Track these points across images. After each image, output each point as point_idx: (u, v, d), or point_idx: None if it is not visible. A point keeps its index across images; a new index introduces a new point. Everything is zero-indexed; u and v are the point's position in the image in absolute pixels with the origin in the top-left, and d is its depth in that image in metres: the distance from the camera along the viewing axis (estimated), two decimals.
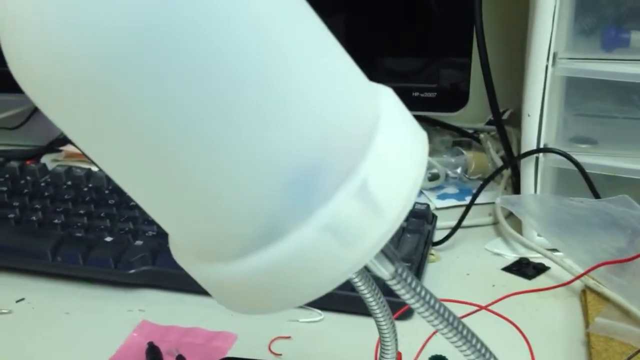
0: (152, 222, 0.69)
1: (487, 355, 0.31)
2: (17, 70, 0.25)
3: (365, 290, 0.34)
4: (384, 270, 0.29)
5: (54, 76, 0.24)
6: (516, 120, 0.93)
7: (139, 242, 0.66)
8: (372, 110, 0.28)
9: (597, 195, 0.66)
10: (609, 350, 0.53)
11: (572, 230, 0.59)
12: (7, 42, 0.24)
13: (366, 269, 0.30)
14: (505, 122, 1.00)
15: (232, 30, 0.24)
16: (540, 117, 0.66)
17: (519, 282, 0.66)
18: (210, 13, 0.23)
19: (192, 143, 0.25)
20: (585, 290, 0.62)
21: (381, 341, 0.40)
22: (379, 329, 0.39)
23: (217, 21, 0.23)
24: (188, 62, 0.23)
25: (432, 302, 0.30)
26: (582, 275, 0.56)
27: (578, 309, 0.61)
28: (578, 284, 0.64)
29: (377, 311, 0.37)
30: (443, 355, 0.49)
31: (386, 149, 0.27)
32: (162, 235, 0.66)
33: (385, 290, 0.36)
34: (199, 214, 0.27)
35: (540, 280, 0.66)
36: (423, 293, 0.30)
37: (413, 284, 0.29)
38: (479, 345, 0.31)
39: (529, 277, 0.66)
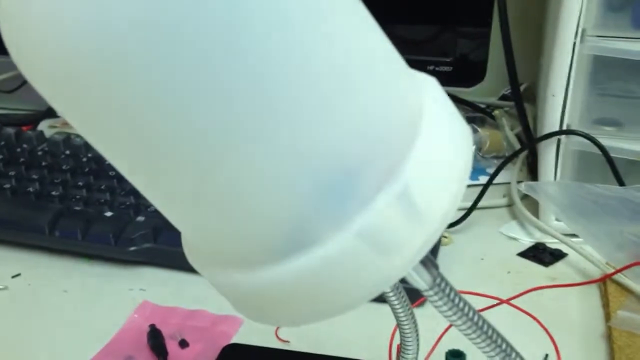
0: None
1: None
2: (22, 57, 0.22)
3: (393, 298, 0.31)
4: (422, 282, 0.26)
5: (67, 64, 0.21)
6: (531, 95, 0.89)
7: (140, 218, 0.64)
8: (415, 105, 0.25)
9: (620, 181, 0.63)
10: (632, 347, 0.51)
11: (597, 218, 0.57)
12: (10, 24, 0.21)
13: (401, 279, 0.27)
14: None
15: (268, 15, 0.20)
16: (564, 97, 0.63)
17: (535, 269, 0.63)
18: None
19: (218, 136, 0.22)
20: (606, 281, 0.59)
21: (402, 342, 0.37)
22: (401, 330, 0.36)
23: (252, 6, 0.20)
24: (219, 47, 0.20)
25: (470, 314, 0.27)
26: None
27: (597, 300, 0.59)
28: (597, 273, 0.62)
29: (401, 313, 0.34)
30: (461, 350, 0.47)
31: (430, 149, 0.24)
32: None
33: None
34: (221, 215, 0.24)
35: (557, 268, 0.63)
36: (462, 305, 0.27)
37: (451, 296, 0.27)
38: (514, 356, 0.29)
39: (546, 264, 0.64)
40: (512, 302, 0.48)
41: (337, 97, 0.22)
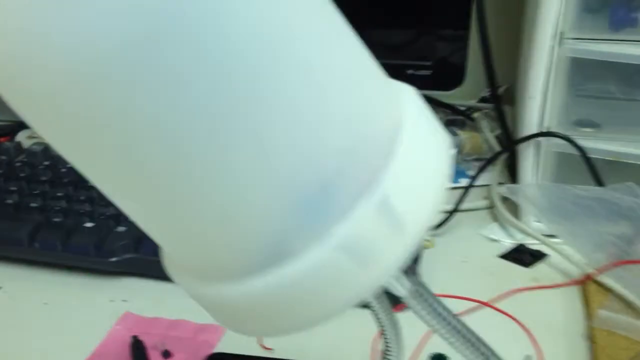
0: None
1: None
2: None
3: (374, 303, 0.31)
4: (401, 289, 0.26)
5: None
6: (509, 97, 0.90)
7: (121, 228, 0.63)
8: (394, 116, 0.25)
9: (599, 181, 0.63)
10: (612, 346, 0.51)
11: (576, 219, 0.57)
12: None
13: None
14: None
15: (241, 27, 0.20)
16: (543, 99, 0.63)
17: (516, 270, 0.63)
18: (223, 9, 0.20)
19: (194, 149, 0.22)
20: (586, 280, 0.60)
21: (385, 348, 0.37)
22: (383, 335, 0.36)
23: (228, 17, 0.20)
24: (198, 59, 0.20)
25: (450, 320, 0.27)
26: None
27: (578, 300, 0.59)
28: (578, 273, 0.62)
29: (382, 318, 0.34)
30: (444, 353, 0.47)
31: (409, 159, 0.24)
32: None
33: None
34: (198, 228, 0.24)
35: (538, 268, 0.64)
36: (441, 311, 0.27)
37: (431, 302, 0.27)
38: None
39: (527, 264, 0.64)
40: (494, 304, 0.48)
41: (314, 110, 0.22)
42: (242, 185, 0.22)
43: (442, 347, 0.47)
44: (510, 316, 0.48)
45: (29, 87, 0.21)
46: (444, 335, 0.28)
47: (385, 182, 0.23)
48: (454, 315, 0.27)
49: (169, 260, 0.28)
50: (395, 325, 0.36)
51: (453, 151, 0.81)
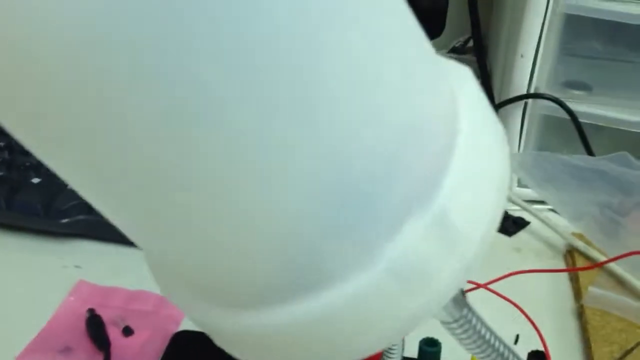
0: None
1: None
2: None
3: None
4: (448, 316, 0.22)
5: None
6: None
7: None
8: (450, 107, 0.20)
9: (588, 147, 0.60)
10: (606, 327, 0.49)
11: (569, 188, 0.54)
12: None
13: None
14: (468, 51, 0.93)
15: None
16: (534, 58, 0.59)
17: (499, 240, 0.60)
18: None
19: (209, 145, 0.16)
20: (573, 253, 0.57)
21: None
22: None
23: None
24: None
25: (498, 346, 0.23)
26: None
27: (565, 274, 0.56)
28: (562, 244, 0.59)
29: None
30: (436, 338, 0.43)
31: (470, 162, 0.20)
32: None
33: None
34: (211, 249, 0.19)
35: (521, 238, 0.61)
36: (488, 337, 0.23)
37: (479, 328, 0.23)
38: None
39: (510, 233, 0.61)
40: (492, 289, 0.44)
41: (351, 105, 0.17)
42: (272, 184, 0.17)
43: (432, 332, 0.44)
44: (506, 298, 0.44)
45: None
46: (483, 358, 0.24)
47: (443, 191, 0.19)
48: (503, 342, 0.23)
49: (157, 264, 0.23)
50: None
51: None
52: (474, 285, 0.45)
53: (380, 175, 0.18)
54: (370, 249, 0.18)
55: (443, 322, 0.23)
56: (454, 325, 0.22)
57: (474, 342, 0.23)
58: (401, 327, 0.20)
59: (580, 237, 0.58)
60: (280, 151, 0.17)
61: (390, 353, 0.34)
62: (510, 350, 0.24)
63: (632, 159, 0.54)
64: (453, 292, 0.20)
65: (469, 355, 0.43)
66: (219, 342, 0.22)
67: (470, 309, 0.22)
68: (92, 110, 0.16)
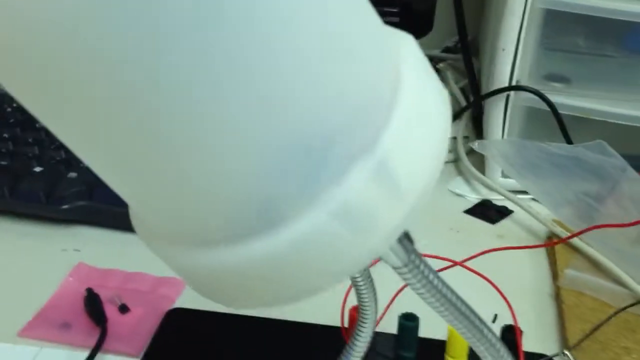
0: None
1: (499, 348, 0.27)
2: None
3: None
4: (396, 260, 0.24)
5: None
6: (474, 48, 0.88)
7: (73, 174, 0.60)
8: (393, 66, 0.22)
9: (568, 138, 0.63)
10: (580, 307, 0.51)
11: (547, 175, 0.56)
12: None
13: None
14: (460, 50, 0.96)
15: None
16: (515, 51, 0.62)
17: (482, 226, 0.63)
18: None
19: (170, 104, 0.19)
20: (552, 239, 0.59)
21: (360, 306, 0.36)
22: (358, 294, 0.35)
23: None
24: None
25: (446, 292, 0.25)
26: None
27: (545, 258, 0.58)
28: (543, 231, 0.62)
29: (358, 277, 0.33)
30: (414, 313, 0.46)
31: (410, 116, 0.22)
32: None
33: None
34: (177, 190, 0.21)
35: (504, 225, 0.63)
36: (436, 282, 0.25)
37: (427, 274, 0.25)
38: (489, 336, 0.27)
39: (493, 221, 0.63)
40: (468, 266, 0.46)
41: (299, 61, 0.20)
42: (230, 139, 0.20)
43: (411, 307, 0.46)
44: (483, 276, 0.46)
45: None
46: (438, 309, 0.26)
47: (385, 142, 0.21)
48: (451, 289, 0.26)
49: (138, 219, 0.25)
50: (370, 282, 0.34)
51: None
52: (450, 263, 0.47)
53: (332, 128, 0.21)
54: (317, 193, 0.21)
55: (395, 268, 0.25)
56: (405, 270, 0.25)
57: (424, 287, 0.25)
58: (350, 265, 0.22)
59: (560, 224, 0.60)
60: (252, 109, 0.19)
61: (365, 315, 0.36)
62: (460, 299, 0.26)
63: (608, 147, 0.56)
64: (396, 234, 0.22)
65: (446, 329, 0.45)
66: (189, 283, 0.25)
67: (418, 256, 0.25)
68: (63, 47, 0.18)
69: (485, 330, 0.27)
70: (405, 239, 0.25)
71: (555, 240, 0.57)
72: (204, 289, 0.24)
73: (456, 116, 0.73)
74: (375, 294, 0.33)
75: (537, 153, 0.56)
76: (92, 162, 0.22)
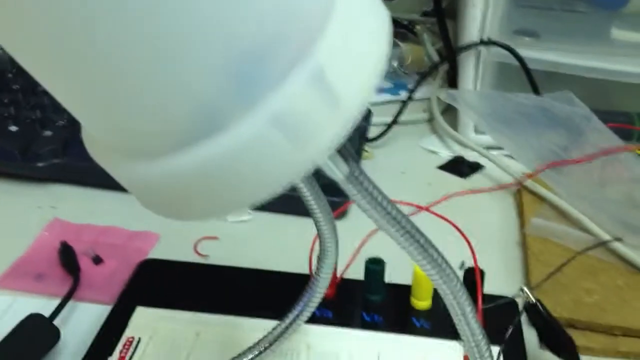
0: (62, 110, 0.63)
1: (442, 263, 0.28)
2: None
3: (306, 191, 0.30)
4: (337, 172, 0.25)
5: None
6: (452, 12, 0.89)
7: (47, 133, 0.60)
8: None
9: (537, 92, 0.63)
10: (545, 253, 0.52)
11: (517, 127, 0.57)
12: None
13: (317, 169, 0.26)
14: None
15: None
16: (485, 8, 0.62)
17: (454, 180, 0.64)
18: None
19: (108, 8, 0.19)
20: (521, 190, 0.60)
21: (321, 244, 0.37)
22: (319, 231, 0.36)
23: None
24: None
25: (386, 205, 0.26)
26: (532, 175, 0.54)
27: (513, 208, 0.60)
28: (514, 184, 0.63)
29: (318, 212, 0.33)
30: (380, 257, 0.47)
31: (346, 27, 0.23)
32: (75, 125, 0.60)
33: (325, 189, 0.32)
34: (117, 100, 0.22)
35: (475, 179, 0.64)
36: (376, 195, 0.26)
37: (367, 186, 0.26)
38: (431, 251, 0.28)
39: (464, 175, 0.64)
40: (434, 211, 0.47)
41: None
42: (167, 42, 0.20)
43: (378, 253, 0.47)
44: (447, 220, 0.47)
45: None
46: (379, 222, 0.27)
47: (321, 52, 0.22)
48: (392, 203, 0.26)
49: (88, 136, 0.26)
50: (331, 221, 0.35)
51: (395, 62, 0.80)
52: (416, 209, 0.48)
53: (268, 35, 0.21)
54: (257, 100, 0.21)
55: (340, 182, 0.26)
56: (347, 183, 0.25)
57: (368, 202, 0.26)
58: (288, 174, 0.23)
59: (529, 176, 0.61)
60: (193, 18, 0.20)
61: (326, 255, 0.37)
62: (401, 214, 0.27)
63: (574, 97, 0.57)
64: (335, 144, 0.23)
65: (411, 273, 0.46)
66: (137, 197, 0.25)
67: (360, 170, 0.26)
68: None
69: (431, 250, 0.28)
70: (349, 154, 0.25)
71: (519, 186, 0.58)
72: (149, 201, 0.25)
73: (430, 73, 0.74)
74: (330, 212, 0.34)
75: (505, 103, 0.57)
76: (39, 76, 0.23)
